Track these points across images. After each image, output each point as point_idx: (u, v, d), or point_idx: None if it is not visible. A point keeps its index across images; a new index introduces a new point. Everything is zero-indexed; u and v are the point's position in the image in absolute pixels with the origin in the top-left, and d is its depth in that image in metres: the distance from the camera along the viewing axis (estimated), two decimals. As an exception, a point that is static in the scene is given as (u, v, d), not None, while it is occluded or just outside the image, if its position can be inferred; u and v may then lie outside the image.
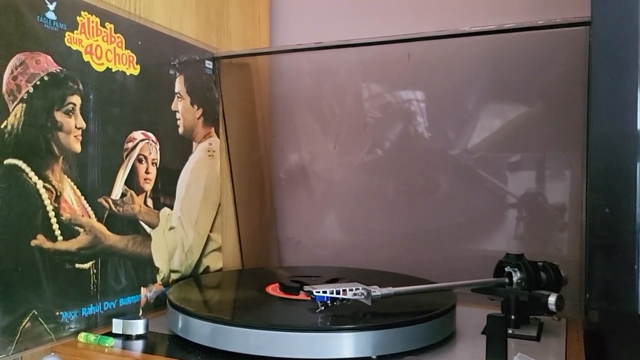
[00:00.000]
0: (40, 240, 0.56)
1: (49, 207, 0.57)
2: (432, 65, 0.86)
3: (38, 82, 0.56)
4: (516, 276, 0.62)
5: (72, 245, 0.60)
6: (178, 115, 0.76)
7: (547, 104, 0.80)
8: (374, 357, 0.52)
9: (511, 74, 0.82)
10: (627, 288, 0.35)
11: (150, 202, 0.71)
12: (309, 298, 0.57)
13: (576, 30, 0.67)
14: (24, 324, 0.54)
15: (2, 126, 0.53)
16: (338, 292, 0.55)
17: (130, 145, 0.68)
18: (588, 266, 0.37)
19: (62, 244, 0.59)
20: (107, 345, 0.56)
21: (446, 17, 0.87)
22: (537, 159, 0.80)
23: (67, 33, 0.60)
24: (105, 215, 0.64)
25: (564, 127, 0.79)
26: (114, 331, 0.59)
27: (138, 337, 0.58)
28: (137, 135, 0.69)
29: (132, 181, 0.68)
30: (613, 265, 0.36)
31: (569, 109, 0.78)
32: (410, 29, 0.76)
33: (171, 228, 0.74)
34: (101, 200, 0.64)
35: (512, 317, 0.62)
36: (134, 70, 0.68)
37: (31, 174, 0.56)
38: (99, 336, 0.57)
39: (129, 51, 0.68)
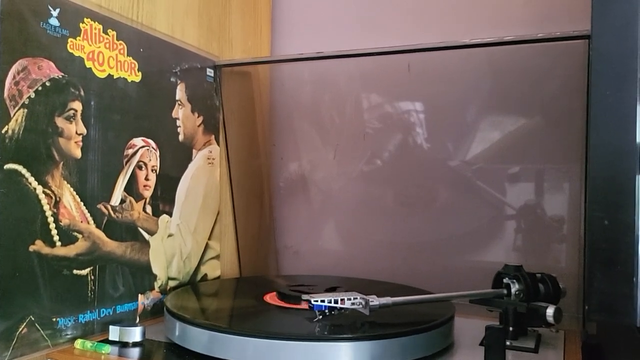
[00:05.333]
0: (38, 246, 0.56)
1: (48, 213, 0.57)
2: (432, 76, 0.87)
3: (40, 88, 0.57)
4: (514, 287, 0.62)
5: (71, 251, 0.60)
6: (178, 123, 0.76)
7: (546, 116, 0.80)
8: (372, 367, 0.52)
9: (511, 86, 0.82)
10: (625, 300, 0.35)
11: (149, 209, 0.71)
12: (307, 307, 0.56)
13: (575, 43, 0.67)
14: (20, 329, 0.54)
15: (3, 131, 0.53)
16: (336, 302, 0.55)
17: (130, 151, 0.68)
18: (587, 278, 0.37)
19: (60, 250, 0.58)
20: (103, 352, 0.56)
21: (447, 28, 0.88)
22: (536, 170, 0.81)
23: (69, 39, 0.60)
24: (104, 222, 0.64)
25: (562, 139, 0.79)
26: (110, 338, 0.58)
27: (135, 344, 0.58)
28: (138, 141, 0.69)
29: (131, 188, 0.68)
30: (612, 277, 0.36)
31: (567, 121, 0.78)
32: (411, 40, 0.77)
33: (170, 235, 0.74)
34: (100, 206, 0.64)
35: (510, 328, 0.62)
36: (135, 77, 0.69)
37: (31, 179, 0.56)
38: (96, 343, 0.57)
39: (130, 58, 0.68)
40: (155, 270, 0.71)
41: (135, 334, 0.58)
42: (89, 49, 0.62)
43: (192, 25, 0.79)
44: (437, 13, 0.89)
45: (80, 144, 0.61)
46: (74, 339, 0.59)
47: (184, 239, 0.77)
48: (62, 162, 0.59)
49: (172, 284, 0.74)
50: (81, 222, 0.61)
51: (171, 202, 0.75)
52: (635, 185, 0.36)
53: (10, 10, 0.54)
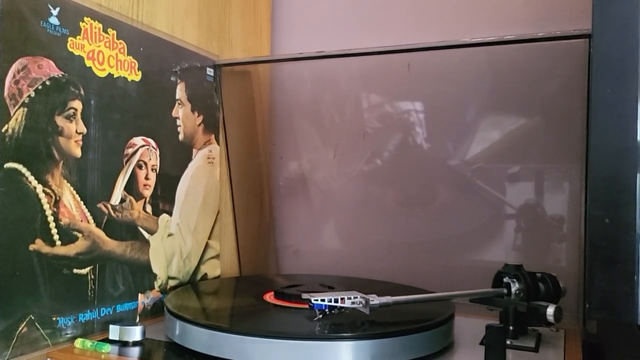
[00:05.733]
0: (38, 245, 0.56)
1: (48, 212, 0.57)
2: (432, 75, 0.87)
3: (40, 87, 0.56)
4: (515, 287, 0.62)
5: (71, 250, 0.60)
6: (178, 122, 0.76)
7: (546, 115, 0.80)
8: (372, 366, 0.52)
9: (511, 85, 0.82)
10: (626, 298, 0.35)
11: (149, 208, 0.71)
12: (307, 306, 0.56)
13: (576, 43, 0.68)
14: (20, 328, 0.54)
15: (3, 130, 0.53)
16: (336, 301, 0.55)
17: (130, 150, 0.68)
18: (587, 276, 0.37)
19: (60, 249, 0.58)
20: (103, 351, 0.56)
21: (447, 28, 0.88)
22: (536, 170, 0.81)
23: (69, 38, 0.60)
24: (104, 221, 0.64)
25: (563, 138, 0.79)
26: (110, 337, 0.58)
27: (135, 343, 0.58)
28: (138, 141, 0.69)
29: (131, 187, 0.68)
30: (612, 276, 0.36)
31: (568, 120, 0.78)
32: (411, 40, 0.77)
33: (170, 234, 0.74)
34: (100, 205, 0.64)
35: (511, 327, 0.62)
36: (135, 76, 0.69)
37: (31, 178, 0.56)
38: (96, 342, 0.57)
39: (130, 57, 0.68)
40: (155, 269, 0.71)
41: (135, 333, 0.58)
42: (89, 48, 0.62)
43: (192, 24, 0.79)
44: (437, 13, 0.89)
45: (80, 143, 0.61)
46: (74, 338, 0.59)
47: (184, 238, 0.77)
48: (62, 161, 0.59)
49: (172, 283, 0.74)
50: (81, 221, 0.61)
51: (171, 201, 0.75)
52: (636, 183, 0.36)
53: (10, 9, 0.54)
